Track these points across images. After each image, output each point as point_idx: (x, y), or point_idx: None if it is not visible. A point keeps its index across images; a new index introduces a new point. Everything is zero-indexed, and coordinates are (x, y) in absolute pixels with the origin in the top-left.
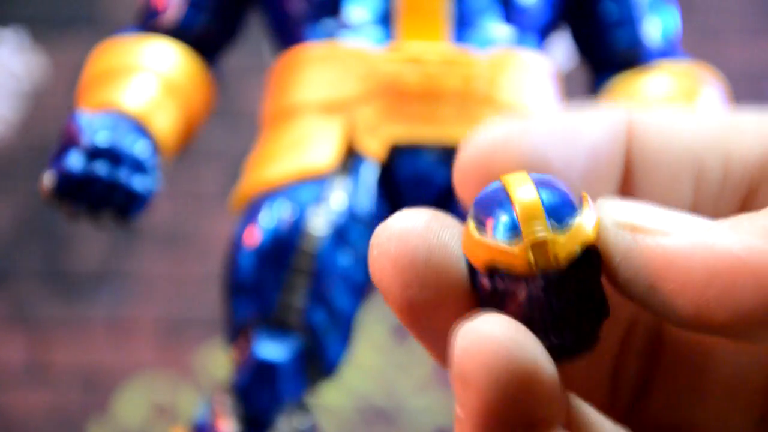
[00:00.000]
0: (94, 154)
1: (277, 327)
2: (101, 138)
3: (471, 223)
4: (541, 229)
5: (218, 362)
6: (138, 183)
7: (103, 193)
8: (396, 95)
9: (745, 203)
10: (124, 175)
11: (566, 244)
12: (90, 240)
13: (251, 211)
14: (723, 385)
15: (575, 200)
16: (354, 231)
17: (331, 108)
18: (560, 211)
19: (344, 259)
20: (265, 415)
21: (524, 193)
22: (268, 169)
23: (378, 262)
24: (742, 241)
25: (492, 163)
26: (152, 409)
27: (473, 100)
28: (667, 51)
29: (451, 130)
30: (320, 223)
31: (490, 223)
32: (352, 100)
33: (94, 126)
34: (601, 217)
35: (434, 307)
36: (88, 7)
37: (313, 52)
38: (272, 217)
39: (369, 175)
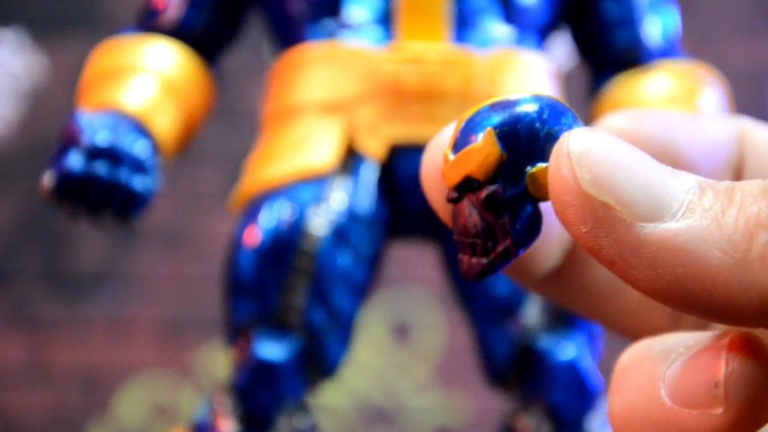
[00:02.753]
0: (94, 154)
1: (277, 327)
2: (101, 138)
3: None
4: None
5: (218, 362)
6: (138, 183)
7: (103, 193)
8: (396, 95)
9: None
10: (124, 175)
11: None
12: (90, 240)
13: (251, 211)
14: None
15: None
16: (354, 231)
17: (331, 108)
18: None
19: (344, 259)
20: (265, 415)
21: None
22: (268, 169)
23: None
24: (714, 258)
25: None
26: (152, 409)
27: (473, 100)
28: (667, 51)
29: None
30: (320, 223)
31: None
32: (352, 100)
33: (94, 126)
34: (569, 180)
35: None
36: (88, 7)
37: (313, 52)
38: (272, 217)
39: (369, 175)
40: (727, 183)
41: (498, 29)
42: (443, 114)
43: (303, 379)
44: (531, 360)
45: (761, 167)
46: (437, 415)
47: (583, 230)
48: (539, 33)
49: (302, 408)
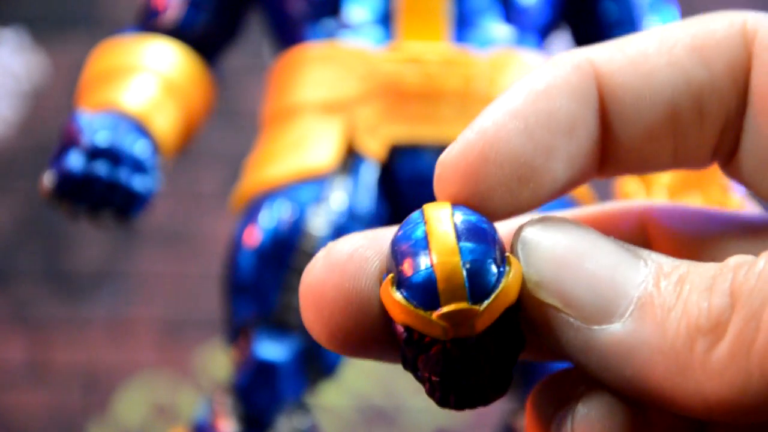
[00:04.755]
0: (94, 154)
1: (277, 327)
2: (101, 138)
3: (390, 276)
4: (460, 299)
5: (218, 362)
6: (138, 183)
7: (103, 193)
8: (396, 95)
9: (723, 137)
10: (124, 175)
11: (485, 314)
12: (90, 240)
13: (251, 211)
14: None
15: (498, 257)
16: (354, 231)
17: (331, 108)
18: (481, 278)
19: None
20: (265, 415)
21: (444, 250)
22: (268, 169)
23: (302, 297)
24: (656, 365)
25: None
26: (152, 409)
27: (473, 100)
28: None
29: (451, 130)
30: (320, 223)
31: (407, 279)
32: (352, 100)
33: (94, 126)
34: (528, 281)
35: (355, 341)
36: (88, 7)
37: (313, 52)
38: (272, 217)
39: (369, 175)
40: (682, 269)
41: (498, 29)
42: (443, 114)
43: (303, 379)
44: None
45: (623, 129)
46: (437, 415)
47: (541, 331)
48: (539, 33)
49: (302, 408)
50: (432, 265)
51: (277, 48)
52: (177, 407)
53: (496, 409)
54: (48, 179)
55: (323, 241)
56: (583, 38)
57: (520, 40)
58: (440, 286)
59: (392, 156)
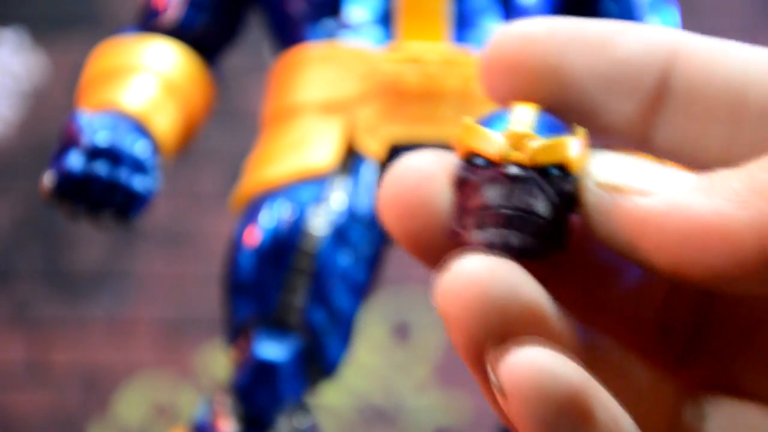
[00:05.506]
0: (94, 154)
1: (277, 327)
2: (101, 138)
3: (468, 120)
4: (528, 128)
5: (218, 362)
6: (138, 183)
7: (103, 193)
8: (396, 95)
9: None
10: (124, 175)
11: (543, 149)
12: (90, 240)
13: (251, 211)
14: None
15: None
16: (354, 231)
17: (331, 108)
18: (551, 130)
19: (344, 259)
20: (265, 415)
21: (523, 111)
22: (268, 169)
23: (380, 196)
24: (713, 205)
25: (518, 61)
26: (152, 409)
27: (473, 100)
28: None
29: (451, 130)
30: (320, 223)
31: (488, 120)
32: (352, 100)
33: (94, 126)
34: (583, 177)
35: (428, 237)
36: (88, 7)
37: (313, 52)
38: (272, 217)
39: (369, 175)
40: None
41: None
42: (443, 114)
43: (303, 379)
44: None
45: (690, 94)
46: (437, 415)
47: (598, 220)
48: None
49: (302, 408)
50: (510, 115)
51: (277, 48)
52: (177, 407)
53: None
54: (48, 179)
55: (323, 241)
56: None
57: None
58: (512, 121)
59: (392, 156)
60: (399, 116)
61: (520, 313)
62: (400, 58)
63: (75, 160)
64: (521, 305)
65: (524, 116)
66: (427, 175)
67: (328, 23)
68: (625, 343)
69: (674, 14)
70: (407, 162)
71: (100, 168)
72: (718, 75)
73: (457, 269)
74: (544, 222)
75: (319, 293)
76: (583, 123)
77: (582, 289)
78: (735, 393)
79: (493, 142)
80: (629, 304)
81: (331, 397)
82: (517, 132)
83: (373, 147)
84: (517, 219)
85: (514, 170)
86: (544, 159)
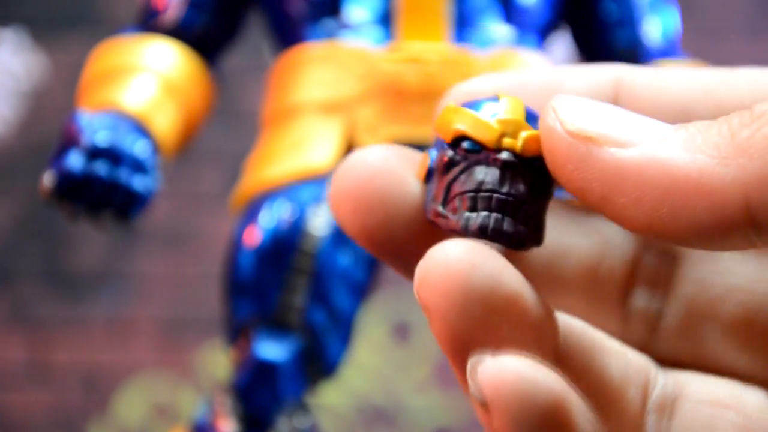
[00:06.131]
0: (94, 154)
1: (277, 327)
2: (101, 138)
3: (451, 103)
4: (519, 117)
5: (218, 362)
6: (138, 183)
7: (103, 193)
8: (396, 95)
9: None
10: (124, 175)
11: (534, 139)
12: (90, 240)
13: (251, 211)
14: (737, 319)
15: None
16: None
17: (331, 108)
18: (536, 124)
19: (344, 259)
20: (265, 415)
21: (511, 99)
22: (268, 169)
23: (333, 191)
24: (694, 161)
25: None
26: (152, 409)
27: None
28: (667, 51)
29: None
30: (320, 223)
31: (473, 105)
32: (352, 100)
33: (94, 126)
34: (554, 125)
35: (387, 232)
36: (88, 7)
37: (313, 52)
38: (272, 217)
39: None
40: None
41: (498, 29)
42: None
43: (303, 379)
44: None
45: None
46: (437, 415)
47: (570, 169)
48: (539, 33)
49: (302, 408)
50: (499, 100)
51: (277, 48)
52: (177, 407)
53: None
54: (48, 179)
55: (323, 241)
56: (583, 38)
57: (520, 40)
58: (505, 108)
59: None
60: (399, 116)
61: (502, 302)
62: (400, 58)
63: (75, 160)
64: (503, 294)
65: (515, 106)
66: (382, 168)
67: (328, 23)
68: (593, 325)
69: (674, 14)
70: (359, 156)
71: (100, 168)
72: (663, 97)
73: (436, 257)
74: (532, 212)
75: (319, 293)
76: None
77: (540, 268)
78: (703, 369)
79: (488, 128)
80: (589, 282)
81: (331, 397)
82: (510, 119)
83: None
84: (511, 205)
85: (508, 156)
86: (534, 149)
